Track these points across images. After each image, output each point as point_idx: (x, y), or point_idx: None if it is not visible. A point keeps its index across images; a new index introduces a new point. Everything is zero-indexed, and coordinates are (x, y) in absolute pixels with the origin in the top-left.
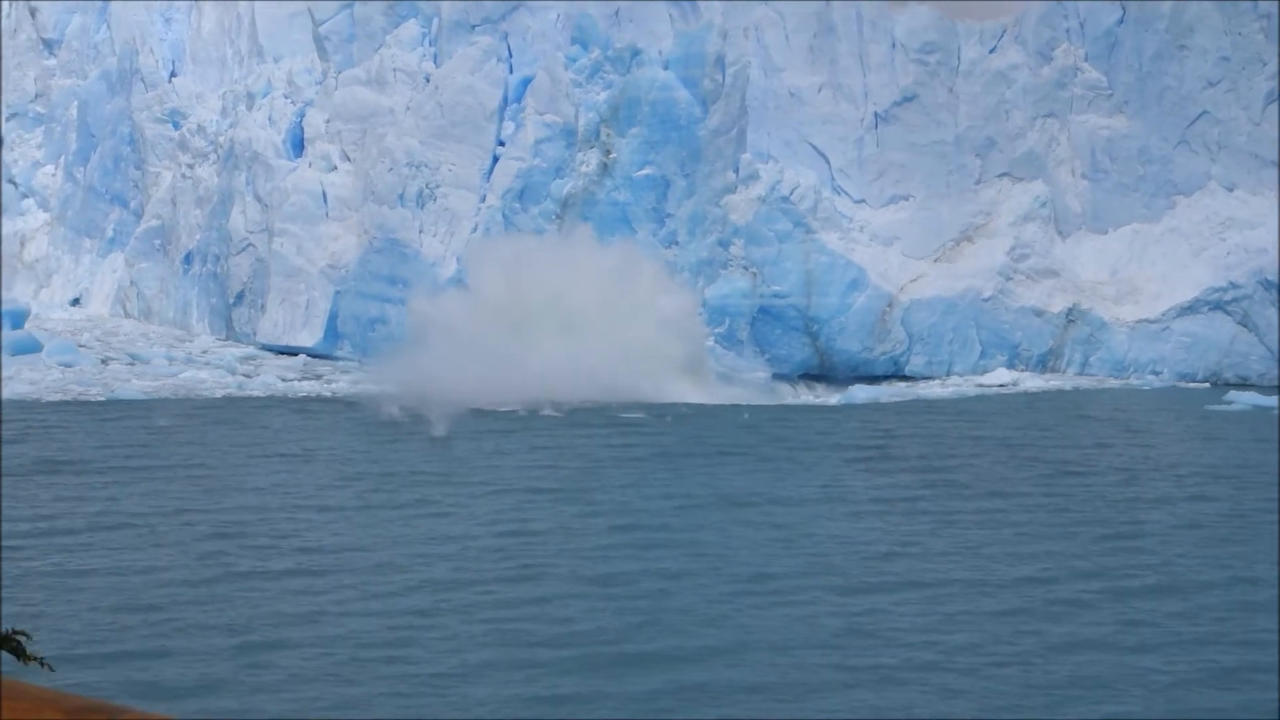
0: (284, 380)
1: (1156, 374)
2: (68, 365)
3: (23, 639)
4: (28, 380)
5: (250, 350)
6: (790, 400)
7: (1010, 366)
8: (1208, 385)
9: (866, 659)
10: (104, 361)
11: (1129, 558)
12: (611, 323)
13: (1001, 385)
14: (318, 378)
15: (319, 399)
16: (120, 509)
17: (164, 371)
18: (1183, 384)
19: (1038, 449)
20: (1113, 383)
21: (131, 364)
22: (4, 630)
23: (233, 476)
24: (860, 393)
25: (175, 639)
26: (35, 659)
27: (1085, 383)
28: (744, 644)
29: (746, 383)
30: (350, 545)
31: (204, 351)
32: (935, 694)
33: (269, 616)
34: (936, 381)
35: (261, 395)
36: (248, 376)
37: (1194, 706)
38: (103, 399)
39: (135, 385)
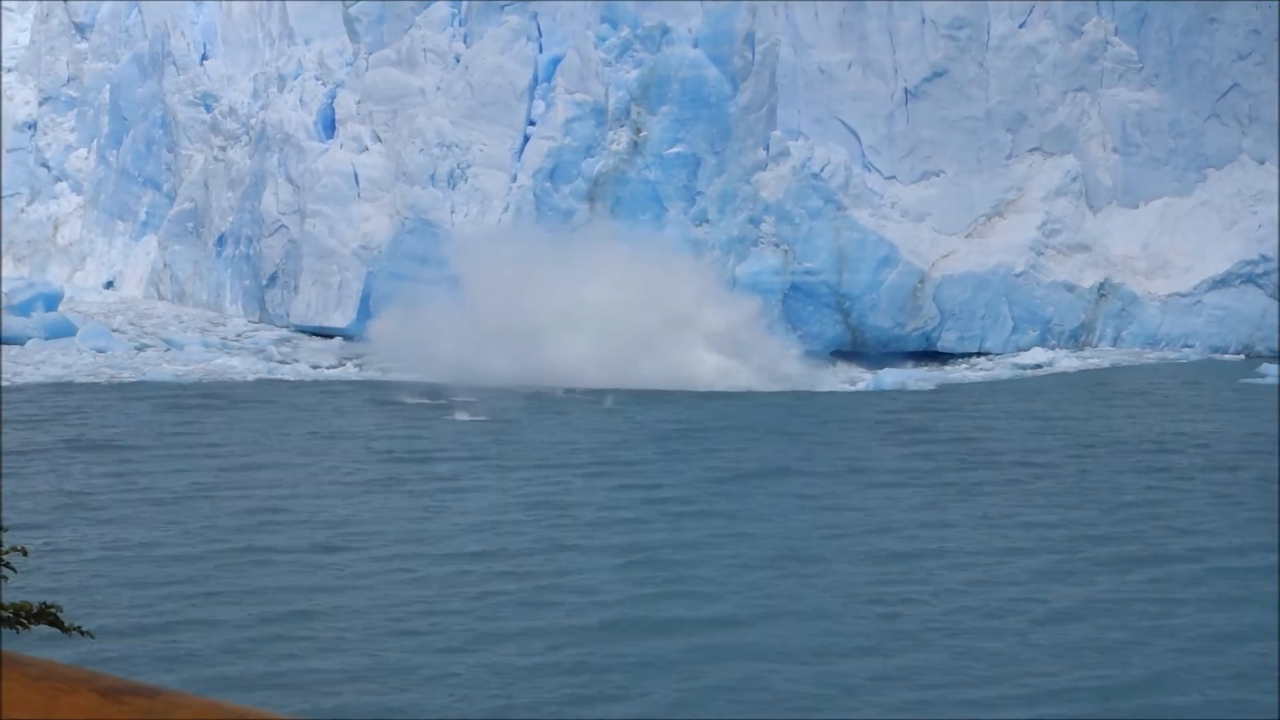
0: (314, 367)
1: (1189, 347)
2: (100, 350)
3: (56, 612)
4: (61, 364)
5: (283, 333)
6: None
7: (1042, 342)
8: (1242, 358)
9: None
10: (139, 349)
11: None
12: (649, 330)
13: (1037, 365)
14: (355, 361)
15: (350, 383)
16: (158, 485)
17: (197, 358)
18: (1217, 356)
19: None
20: (1149, 356)
21: (167, 350)
22: (37, 605)
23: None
24: (889, 377)
25: (201, 610)
26: (75, 629)
27: (1120, 357)
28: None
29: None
30: (381, 520)
31: (238, 335)
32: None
33: (303, 589)
34: (964, 364)
35: (292, 380)
36: (282, 362)
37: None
38: (134, 380)
39: (167, 369)
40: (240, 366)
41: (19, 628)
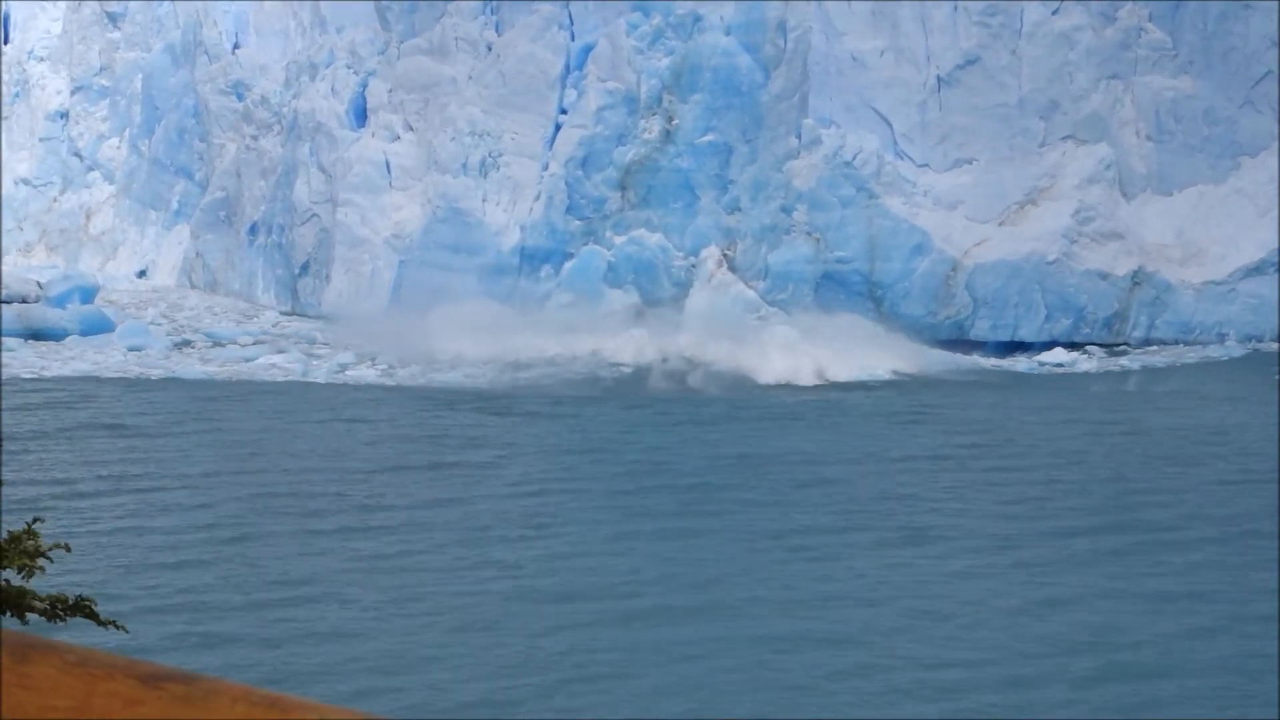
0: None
1: (1223, 335)
2: (137, 349)
3: (91, 605)
4: (92, 361)
5: (318, 324)
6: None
7: (1075, 331)
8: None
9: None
10: (178, 346)
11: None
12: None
13: (1059, 365)
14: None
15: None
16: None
17: (237, 355)
18: (1256, 345)
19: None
20: (1188, 354)
21: (212, 346)
22: (73, 597)
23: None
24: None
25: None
26: (110, 622)
27: (1152, 358)
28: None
29: None
30: (389, 505)
31: (274, 324)
32: None
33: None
34: (989, 363)
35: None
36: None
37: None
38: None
39: (200, 369)
40: (281, 363)
41: (56, 620)
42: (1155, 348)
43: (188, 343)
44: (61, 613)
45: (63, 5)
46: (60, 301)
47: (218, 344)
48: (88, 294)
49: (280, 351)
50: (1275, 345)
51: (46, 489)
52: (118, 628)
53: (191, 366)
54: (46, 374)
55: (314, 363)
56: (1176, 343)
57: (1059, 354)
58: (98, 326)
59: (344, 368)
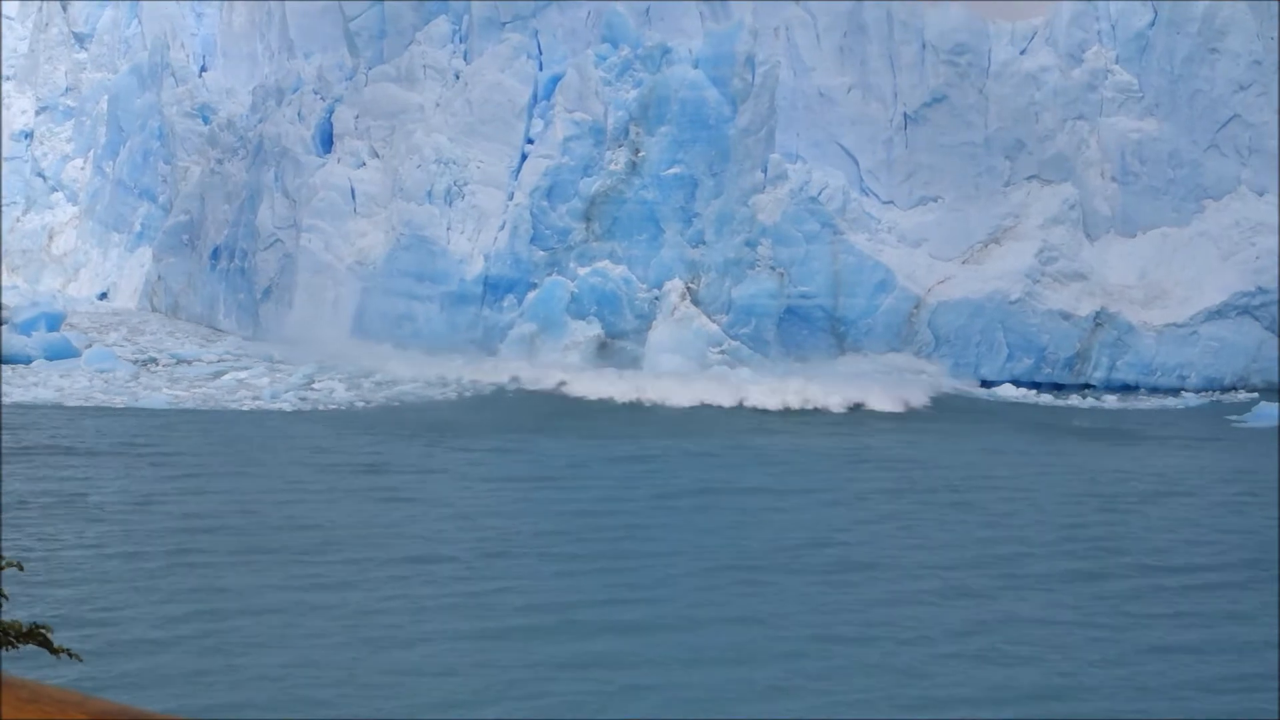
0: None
1: (1184, 378)
2: (105, 371)
3: (45, 633)
4: (55, 387)
5: (279, 347)
6: None
7: (1036, 370)
8: (1240, 393)
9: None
10: (143, 363)
11: None
12: None
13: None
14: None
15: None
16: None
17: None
18: (1213, 395)
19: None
20: (1144, 400)
21: (176, 364)
22: (26, 625)
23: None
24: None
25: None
26: (64, 650)
27: (1110, 400)
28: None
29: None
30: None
31: (237, 349)
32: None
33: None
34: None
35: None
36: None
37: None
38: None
39: (165, 394)
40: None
41: (8, 647)
42: (1114, 396)
43: (153, 360)
44: (14, 640)
45: (30, 24)
46: (26, 329)
47: (182, 361)
48: (54, 321)
49: (245, 369)
50: (1236, 394)
51: None
52: (71, 655)
53: (158, 394)
54: (9, 400)
55: (276, 377)
56: (1137, 386)
57: (1008, 389)
58: (63, 354)
59: (309, 380)
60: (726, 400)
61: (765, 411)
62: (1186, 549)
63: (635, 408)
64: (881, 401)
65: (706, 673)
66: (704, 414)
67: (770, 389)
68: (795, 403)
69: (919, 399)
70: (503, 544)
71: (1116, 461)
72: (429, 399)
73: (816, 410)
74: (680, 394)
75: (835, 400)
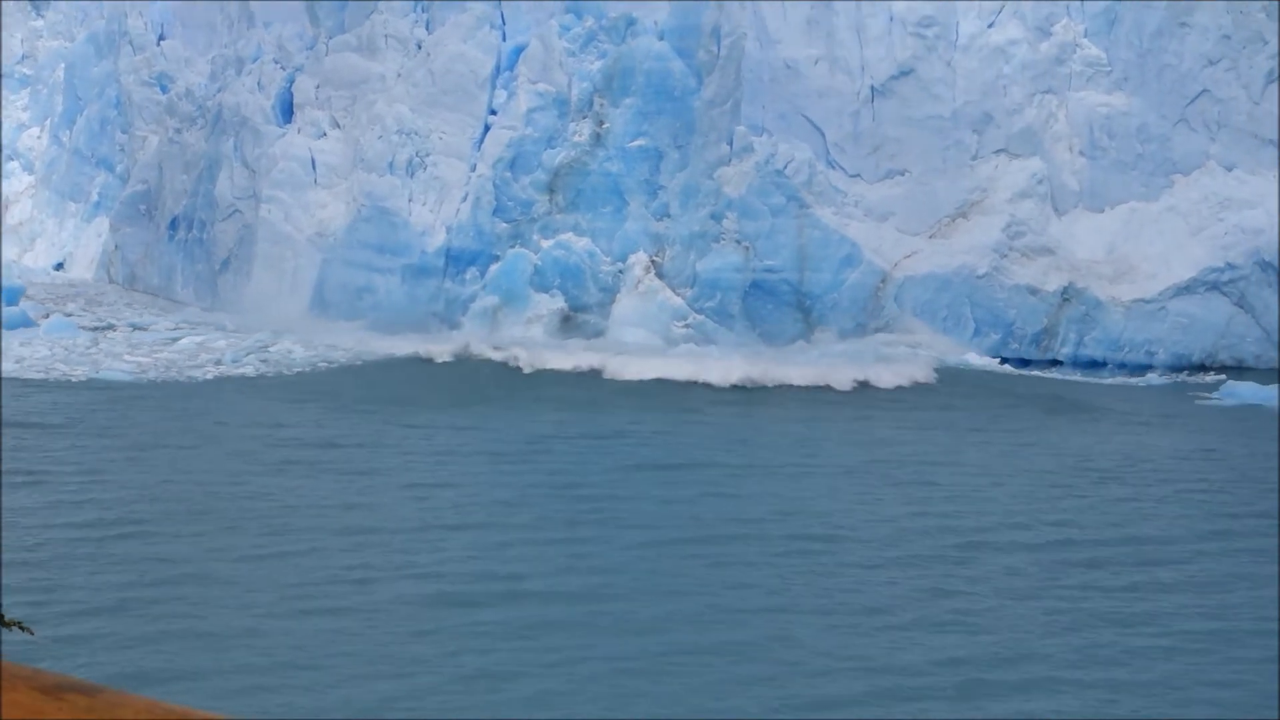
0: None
1: (1151, 354)
2: (65, 338)
3: None
4: (15, 358)
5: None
6: None
7: (1003, 345)
8: (1207, 372)
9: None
10: (101, 329)
11: None
12: None
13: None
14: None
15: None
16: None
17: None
18: (1177, 377)
19: None
20: (1105, 378)
21: (133, 331)
22: None
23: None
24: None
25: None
26: (14, 624)
27: (1072, 373)
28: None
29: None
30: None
31: (195, 326)
32: None
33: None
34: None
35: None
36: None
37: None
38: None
39: (126, 361)
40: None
41: None
42: (1077, 373)
43: (111, 326)
44: None
45: None
46: None
47: (138, 329)
48: (13, 295)
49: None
50: (1205, 375)
51: None
52: (21, 629)
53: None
54: None
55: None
56: (1105, 363)
57: (972, 359)
58: (20, 324)
59: (264, 346)
60: (689, 374)
61: (733, 388)
62: (1145, 523)
63: (596, 380)
64: (845, 380)
65: (656, 640)
66: (668, 388)
67: (730, 365)
68: (758, 376)
69: (888, 378)
70: (457, 516)
71: (1088, 440)
72: (390, 355)
73: (780, 387)
74: (644, 367)
75: (796, 375)
